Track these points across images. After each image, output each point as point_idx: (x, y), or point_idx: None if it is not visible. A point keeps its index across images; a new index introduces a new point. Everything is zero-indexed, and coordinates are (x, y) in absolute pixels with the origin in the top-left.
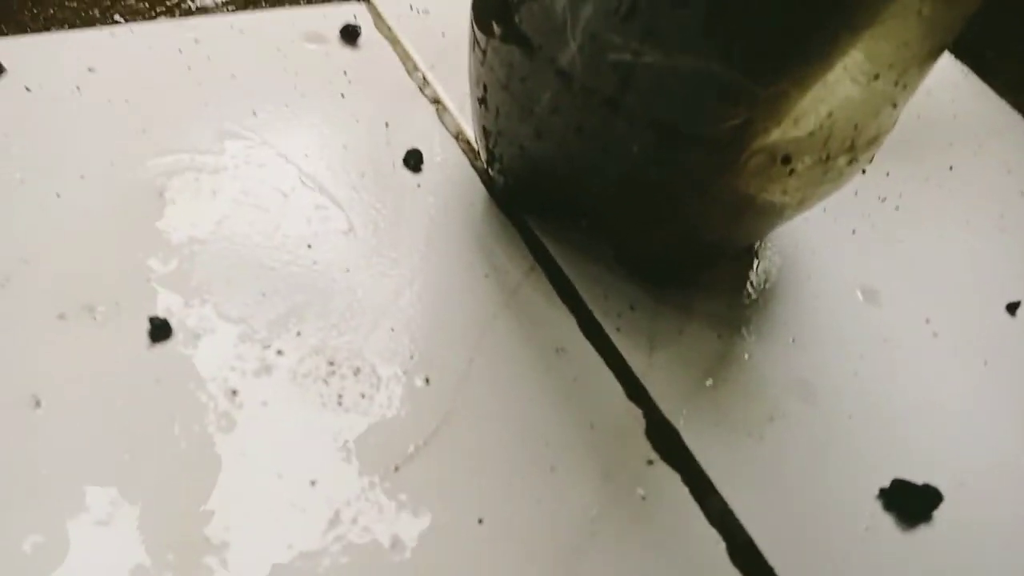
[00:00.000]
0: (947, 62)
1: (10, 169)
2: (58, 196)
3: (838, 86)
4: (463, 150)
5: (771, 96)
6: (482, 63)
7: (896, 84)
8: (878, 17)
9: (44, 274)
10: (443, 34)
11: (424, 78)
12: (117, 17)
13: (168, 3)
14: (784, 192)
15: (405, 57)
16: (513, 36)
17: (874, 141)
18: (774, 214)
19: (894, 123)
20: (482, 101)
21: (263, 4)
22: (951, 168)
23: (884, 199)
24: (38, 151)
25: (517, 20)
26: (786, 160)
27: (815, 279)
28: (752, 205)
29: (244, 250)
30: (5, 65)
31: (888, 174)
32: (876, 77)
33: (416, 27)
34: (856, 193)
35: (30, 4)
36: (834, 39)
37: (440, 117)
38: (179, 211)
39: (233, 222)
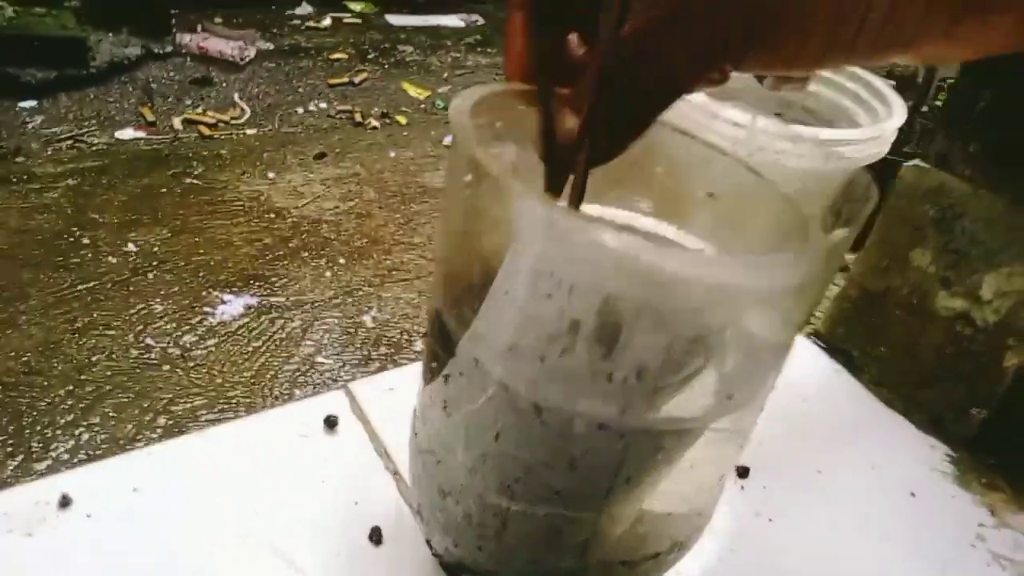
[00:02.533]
0: (822, 361)
1: None
2: None
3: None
4: (415, 518)
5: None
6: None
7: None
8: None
9: None
10: (402, 409)
11: (387, 452)
12: (149, 341)
13: (193, 314)
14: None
15: (373, 435)
16: (424, 458)
17: (682, 547)
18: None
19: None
20: (416, 496)
21: (268, 404)
22: (819, 472)
23: (759, 514)
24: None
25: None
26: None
27: None
28: None
29: None
30: (72, 496)
31: (765, 487)
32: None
33: (383, 405)
34: (735, 512)
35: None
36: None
37: (399, 488)
38: None
39: None
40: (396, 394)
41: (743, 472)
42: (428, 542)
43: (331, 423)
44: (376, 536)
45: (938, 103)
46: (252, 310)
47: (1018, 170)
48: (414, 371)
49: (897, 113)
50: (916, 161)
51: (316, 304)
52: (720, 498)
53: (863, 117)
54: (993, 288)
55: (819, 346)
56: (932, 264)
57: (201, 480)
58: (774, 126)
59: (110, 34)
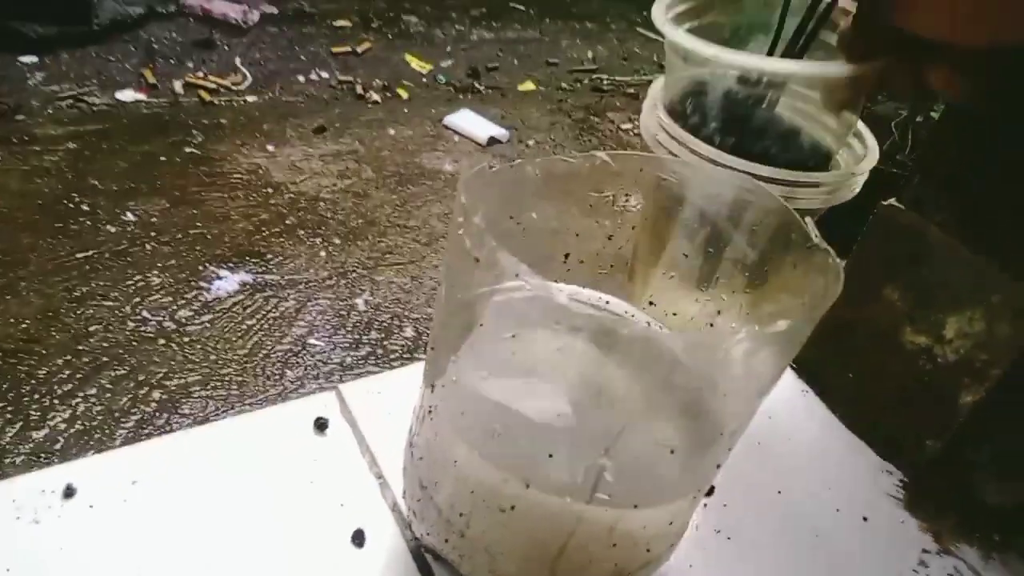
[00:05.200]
0: (791, 381)
1: None
2: None
3: None
4: (396, 521)
5: None
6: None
7: None
8: None
9: None
10: (389, 413)
11: (372, 456)
12: (146, 314)
13: (189, 288)
14: None
15: (360, 438)
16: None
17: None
18: None
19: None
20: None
21: (253, 405)
22: (779, 492)
23: (719, 531)
24: (98, 562)
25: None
26: None
27: None
28: None
29: None
30: (76, 486)
31: (726, 505)
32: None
33: (370, 408)
34: (696, 528)
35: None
36: None
37: (382, 492)
38: None
39: None
40: (384, 398)
41: (708, 490)
42: (410, 525)
43: (321, 425)
44: (359, 538)
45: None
46: (247, 287)
47: (982, 222)
48: (402, 375)
49: (869, 157)
50: (892, 200)
51: (310, 284)
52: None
53: (843, 156)
54: (955, 329)
55: (791, 367)
56: (900, 300)
57: (194, 476)
58: (739, 162)
59: None
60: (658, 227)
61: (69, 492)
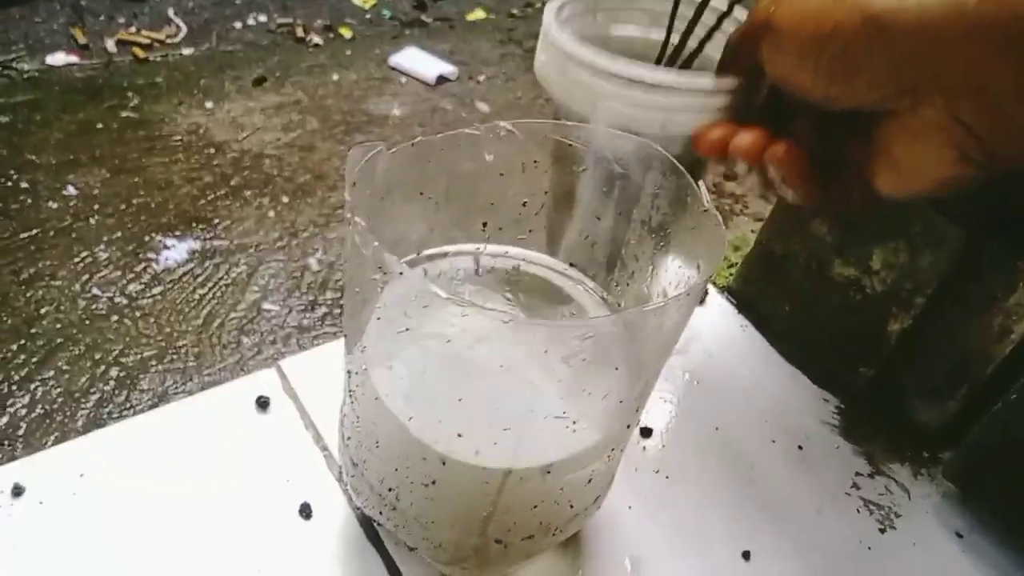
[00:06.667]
0: (731, 317)
1: None
2: None
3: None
4: (342, 492)
5: None
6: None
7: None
8: None
9: None
10: (331, 385)
11: (316, 430)
12: (96, 291)
13: (137, 261)
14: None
15: (303, 412)
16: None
17: (573, 520)
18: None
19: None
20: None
21: (211, 375)
22: (716, 428)
23: (658, 471)
24: (53, 555)
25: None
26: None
27: (591, 556)
28: None
29: None
30: (24, 484)
31: (664, 446)
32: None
33: (312, 382)
34: (636, 470)
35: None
36: None
37: (328, 464)
38: None
39: None
40: (326, 370)
41: (646, 432)
42: (350, 498)
43: (263, 404)
44: (306, 511)
45: None
46: (196, 255)
47: None
48: (342, 346)
49: None
50: None
51: (261, 247)
52: (621, 461)
53: None
54: (881, 260)
55: (730, 302)
56: (828, 234)
57: (140, 464)
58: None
59: None
60: (571, 191)
61: (18, 491)
